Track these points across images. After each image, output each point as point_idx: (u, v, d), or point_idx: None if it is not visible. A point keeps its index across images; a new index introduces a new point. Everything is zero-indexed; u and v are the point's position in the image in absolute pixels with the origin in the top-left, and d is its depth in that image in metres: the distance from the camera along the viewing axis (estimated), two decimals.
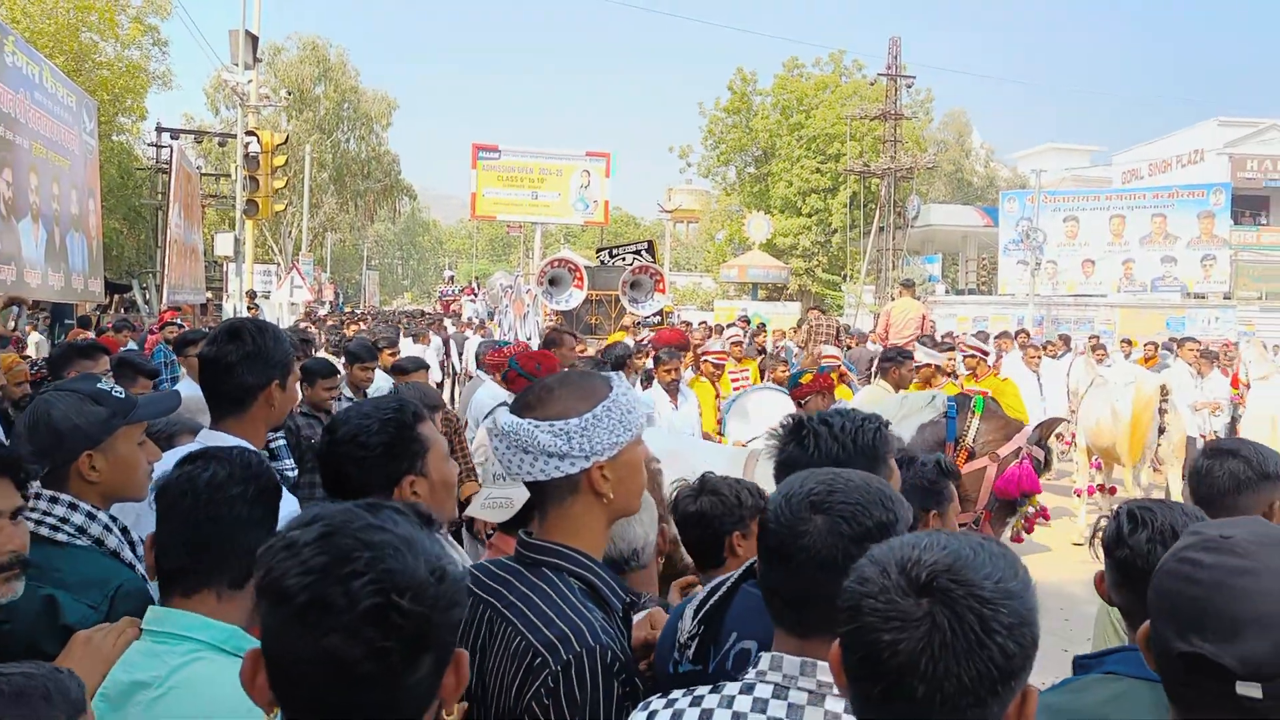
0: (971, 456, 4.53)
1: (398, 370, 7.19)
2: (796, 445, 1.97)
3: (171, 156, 23.91)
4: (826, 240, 41.31)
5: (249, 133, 19.28)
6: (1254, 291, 33.03)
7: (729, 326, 16.36)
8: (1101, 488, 10.27)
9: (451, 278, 51.49)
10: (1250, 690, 1.18)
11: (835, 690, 1.43)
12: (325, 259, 51.50)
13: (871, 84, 40.03)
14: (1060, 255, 33.89)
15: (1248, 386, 10.50)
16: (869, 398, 6.71)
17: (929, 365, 8.35)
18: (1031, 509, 4.59)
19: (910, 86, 37.82)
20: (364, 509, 1.07)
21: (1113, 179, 40.76)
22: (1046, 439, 4.57)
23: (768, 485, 1.96)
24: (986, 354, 9.74)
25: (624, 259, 19.31)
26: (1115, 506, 2.23)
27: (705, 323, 22.68)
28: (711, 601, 1.83)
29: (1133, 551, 1.92)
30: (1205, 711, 1.23)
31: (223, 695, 1.49)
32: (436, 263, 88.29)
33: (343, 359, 7.29)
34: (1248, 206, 35.49)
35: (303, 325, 18.68)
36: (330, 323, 21.31)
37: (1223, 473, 2.56)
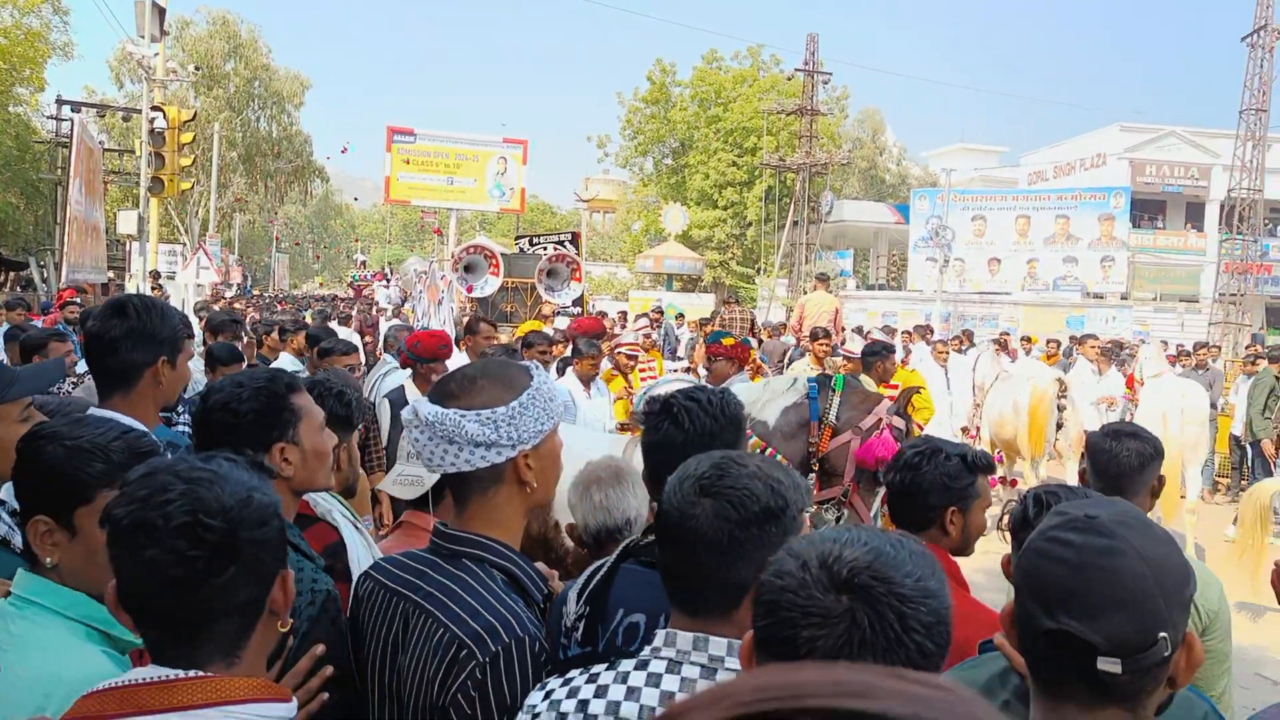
0: (836, 433, 4.65)
1: (326, 353, 6.92)
2: (671, 423, 1.98)
3: (72, 130, 22.98)
4: (742, 233, 41.67)
5: (155, 108, 18.62)
6: (1149, 292, 34.33)
7: (639, 318, 16.44)
8: (1004, 480, 10.57)
9: (364, 262, 50.61)
10: (1111, 666, 1.23)
11: (727, 665, 1.46)
12: (233, 240, 50.15)
13: (789, 79, 40.45)
14: (968, 253, 34.72)
15: (1141, 384, 10.89)
16: (742, 391, 6.81)
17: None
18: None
19: (826, 83, 38.35)
20: (197, 457, 1.34)
21: (1019, 180, 41.91)
22: (905, 408, 4.70)
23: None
24: (892, 349, 9.98)
25: (544, 248, 19.20)
26: (1020, 493, 2.32)
27: (624, 312, 22.73)
28: (594, 583, 1.85)
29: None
30: (1064, 686, 1.28)
31: (37, 661, 1.50)
32: (349, 247, 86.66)
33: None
34: (1146, 210, 36.82)
35: (231, 306, 18.17)
36: (236, 306, 20.74)
37: (1129, 452, 2.82)
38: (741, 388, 5.15)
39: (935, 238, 32.23)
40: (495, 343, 8.98)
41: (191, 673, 1.24)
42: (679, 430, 1.95)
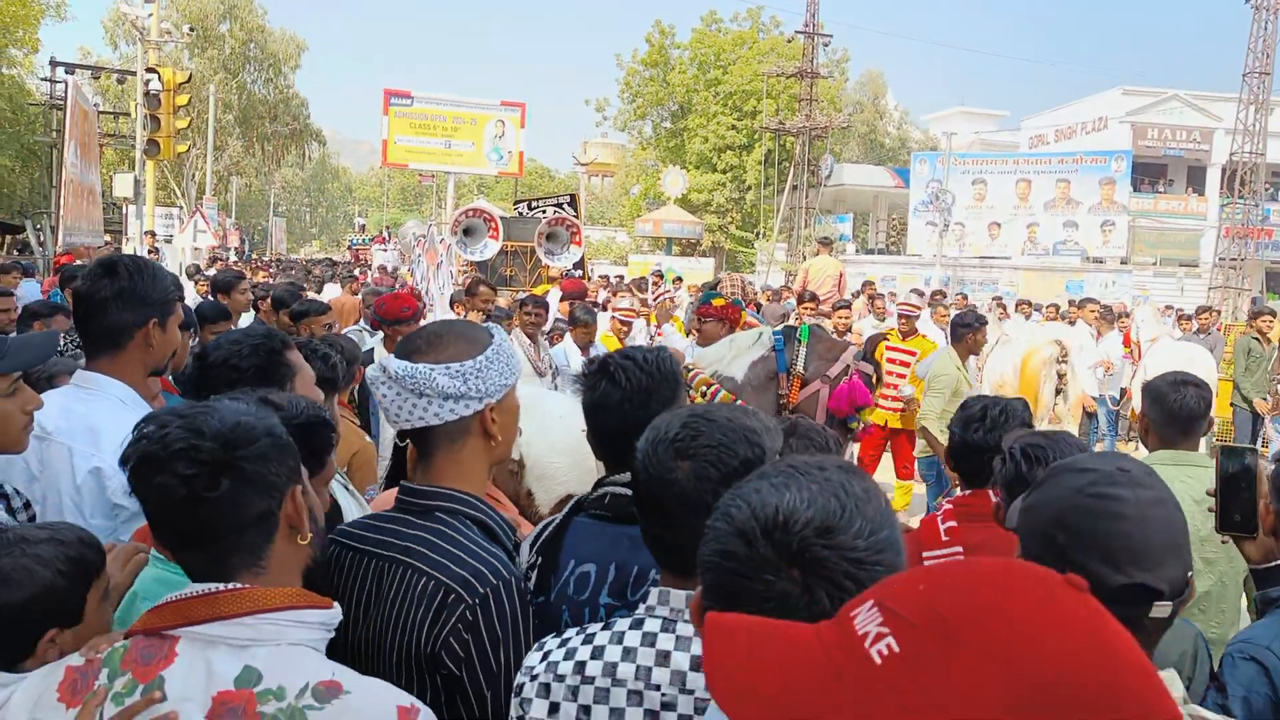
0: (805, 383, 4.66)
1: (300, 316, 6.96)
2: (608, 382, 1.98)
3: (67, 92, 22.81)
4: (741, 197, 41.48)
5: (149, 70, 18.47)
6: (1149, 257, 34.23)
7: (639, 281, 16.42)
8: None
9: (363, 226, 50.41)
10: (1163, 610, 1.28)
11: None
12: (230, 204, 49.90)
13: (789, 41, 40.08)
14: (968, 218, 34.60)
15: (1138, 345, 10.86)
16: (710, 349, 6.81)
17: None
18: (860, 424, 4.78)
19: (827, 45, 38.03)
20: (198, 403, 1.46)
21: (1020, 144, 41.64)
22: (873, 354, 4.74)
23: None
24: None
25: (543, 211, 19.10)
26: (1008, 447, 2.34)
27: (605, 277, 22.64)
28: (546, 534, 1.91)
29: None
30: None
31: None
32: (346, 211, 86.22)
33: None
34: (1147, 174, 36.64)
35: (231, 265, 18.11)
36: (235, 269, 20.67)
37: (1193, 398, 3.15)
38: (710, 346, 5.18)
39: (935, 202, 32.10)
40: (494, 305, 9.00)
41: (230, 585, 1.36)
42: (616, 388, 1.96)
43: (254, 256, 36.59)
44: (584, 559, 1.83)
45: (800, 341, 4.62)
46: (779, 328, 4.86)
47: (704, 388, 4.36)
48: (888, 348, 8.72)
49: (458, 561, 1.69)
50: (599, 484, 1.95)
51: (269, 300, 6.99)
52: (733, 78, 40.88)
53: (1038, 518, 1.38)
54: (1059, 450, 2.29)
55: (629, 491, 1.80)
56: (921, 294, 14.57)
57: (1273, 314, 10.74)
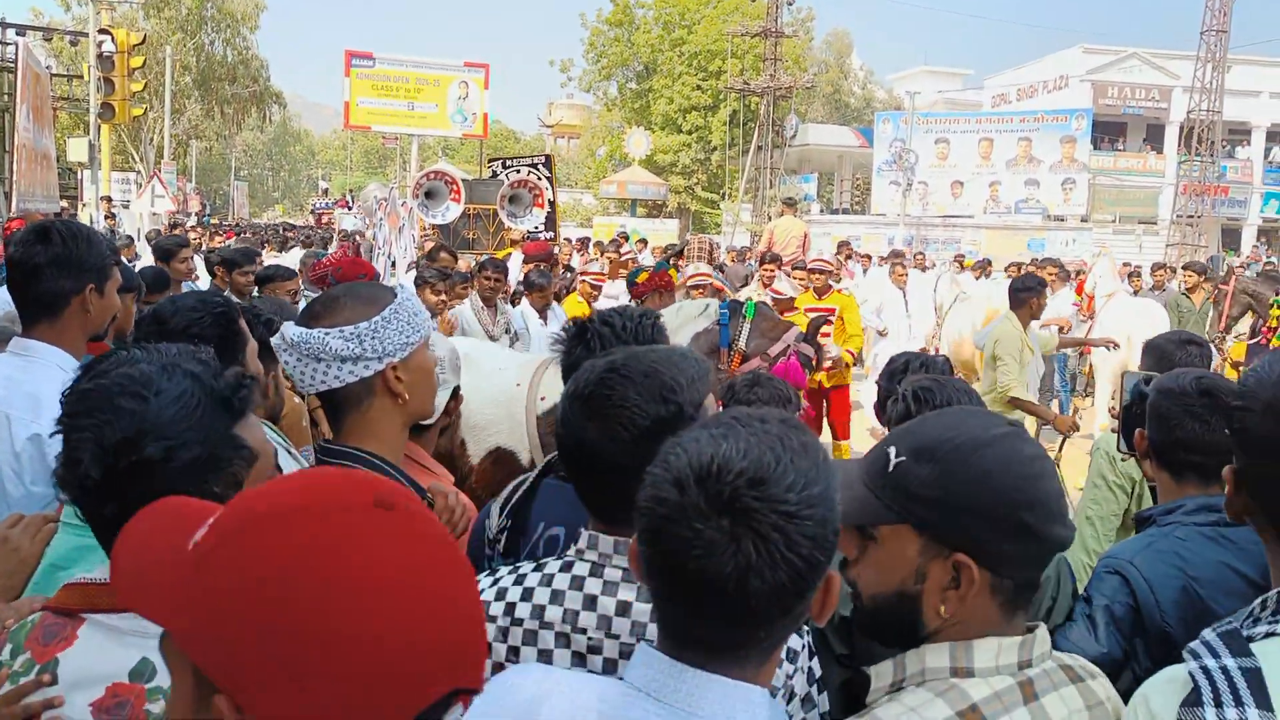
0: (745, 359, 4.68)
1: (267, 280, 6.82)
2: (583, 348, 2.00)
3: (17, 54, 22.21)
4: (706, 158, 41.35)
5: (102, 31, 18.12)
6: (1109, 215, 34.60)
7: (609, 243, 16.39)
8: None
9: (326, 190, 49.81)
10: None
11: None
12: (190, 168, 49.09)
13: (753, 1, 39.83)
14: (931, 177, 34.74)
15: (1091, 299, 10.92)
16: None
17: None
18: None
19: (791, 4, 37.79)
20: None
21: (983, 103, 41.79)
22: (814, 337, 4.78)
23: (555, 392, 2.00)
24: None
25: (518, 171, 18.92)
26: (901, 389, 2.48)
27: (568, 240, 22.57)
28: (516, 497, 1.90)
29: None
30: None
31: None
32: (309, 174, 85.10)
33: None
34: (1107, 133, 36.93)
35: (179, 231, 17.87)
36: (193, 235, 20.43)
37: (1193, 356, 3.42)
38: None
39: (898, 161, 32.24)
40: (455, 269, 8.98)
41: None
42: (590, 355, 1.93)
43: (214, 221, 36.11)
44: (554, 521, 1.83)
45: (745, 318, 4.63)
46: (725, 301, 4.85)
47: None
48: (806, 309, 8.69)
49: None
50: None
51: (223, 264, 6.92)
52: (697, 37, 40.59)
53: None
54: (945, 394, 2.42)
55: None
56: (851, 253, 14.49)
57: (1200, 271, 10.92)
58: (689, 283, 8.64)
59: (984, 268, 16.43)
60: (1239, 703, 1.17)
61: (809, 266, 9.29)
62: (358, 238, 20.15)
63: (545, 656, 1.49)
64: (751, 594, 1.02)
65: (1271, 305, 11.28)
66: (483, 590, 1.55)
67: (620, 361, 1.56)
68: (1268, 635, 1.25)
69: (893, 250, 16.88)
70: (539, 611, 1.50)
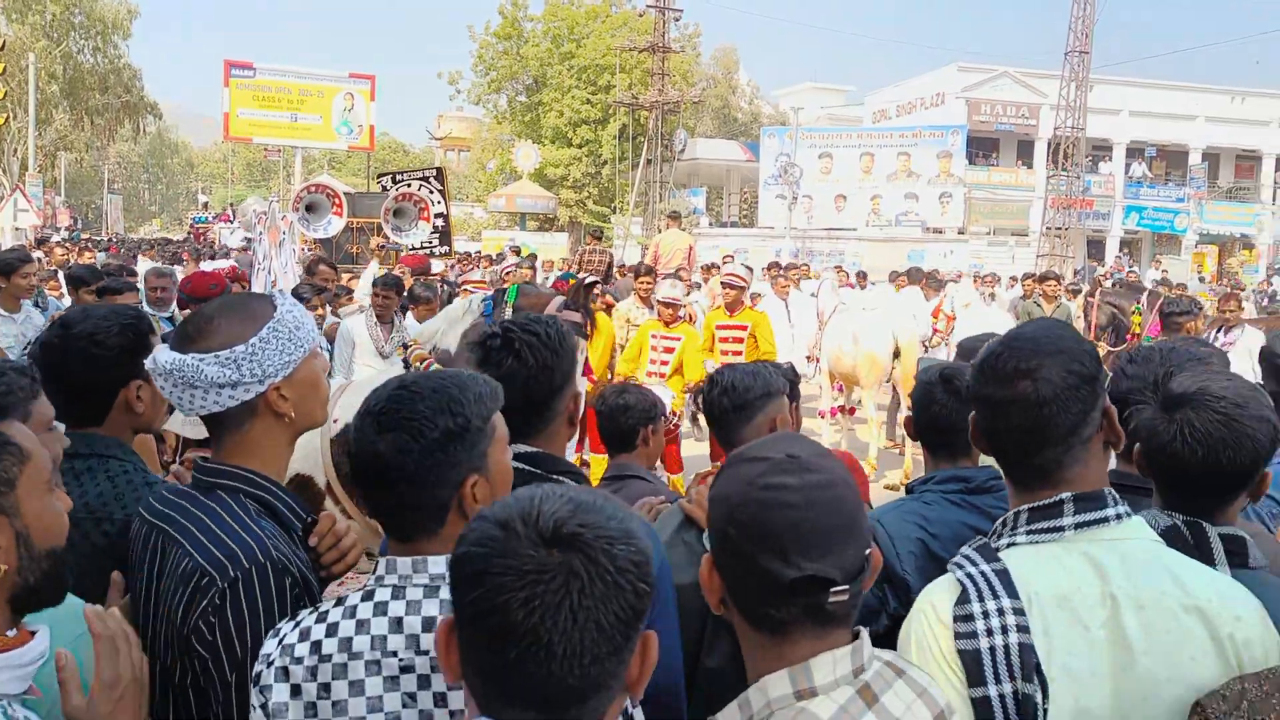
0: None
1: (109, 292, 6.53)
2: (514, 358, 1.95)
3: None
4: (597, 171, 41.55)
5: None
6: (984, 227, 35.96)
7: (497, 256, 16.35)
8: (843, 409, 10.89)
9: (205, 204, 48.33)
10: (843, 595, 1.28)
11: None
12: (59, 181, 47.13)
13: (640, 15, 40.25)
14: (816, 190, 35.55)
15: (951, 318, 11.27)
16: (425, 325, 6.38)
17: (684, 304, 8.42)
18: None
19: (678, 20, 38.31)
20: None
21: (864, 118, 42.97)
22: (584, 302, 4.70)
23: (349, 414, 1.92)
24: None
25: (408, 185, 18.70)
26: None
27: (478, 252, 22.47)
28: None
29: (710, 405, 2.54)
30: (794, 625, 1.30)
31: None
32: (189, 187, 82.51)
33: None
34: (981, 148, 38.36)
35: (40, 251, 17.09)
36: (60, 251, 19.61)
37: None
38: (426, 321, 4.99)
39: (784, 175, 32.91)
40: (334, 284, 8.89)
41: None
42: (522, 365, 1.93)
43: (84, 236, 34.73)
44: None
45: (507, 303, 4.44)
46: (489, 293, 4.66)
47: (418, 364, 4.32)
48: (718, 325, 8.72)
49: (218, 543, 1.65)
50: None
51: (69, 282, 6.71)
52: (586, 51, 40.80)
53: (716, 512, 1.36)
54: (732, 375, 2.56)
55: (522, 465, 1.83)
56: (750, 268, 14.76)
57: (1058, 279, 11.48)
58: (470, 289, 8.48)
59: (860, 279, 16.95)
60: (995, 595, 1.50)
61: (722, 281, 9.08)
62: (234, 254, 19.69)
63: (357, 687, 1.47)
64: (584, 626, 1.03)
65: (1132, 313, 11.95)
66: (285, 634, 1.53)
67: (410, 379, 1.61)
68: (1010, 545, 1.57)
69: (772, 262, 17.27)
70: (346, 644, 1.48)
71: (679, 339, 8.07)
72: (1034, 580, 1.51)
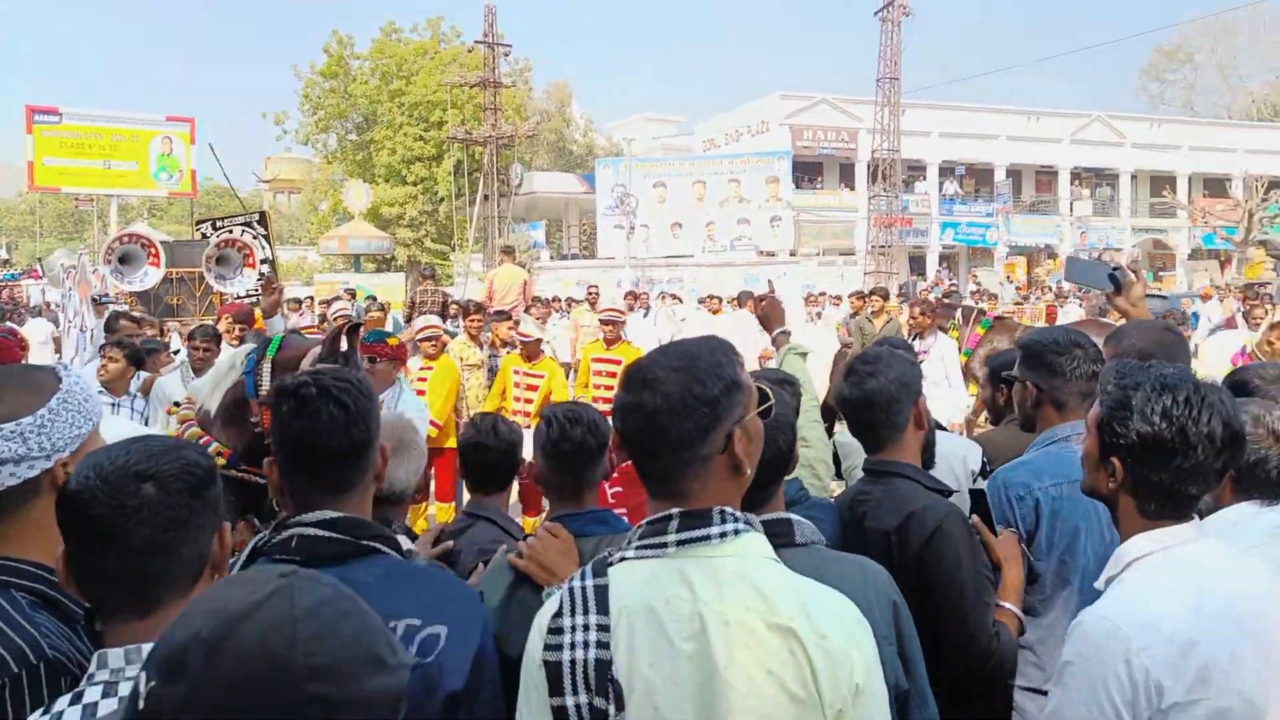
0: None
1: None
2: (334, 405, 1.86)
3: None
4: (434, 209, 41.12)
5: None
6: (813, 248, 37.31)
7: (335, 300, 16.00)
8: None
9: (7, 260, 45.45)
10: None
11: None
12: None
13: (469, 51, 40.20)
14: (652, 219, 36.17)
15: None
16: (197, 383, 5.93)
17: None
18: None
19: (507, 55, 38.43)
20: None
21: (695, 147, 44.03)
22: (350, 348, 3.68)
23: None
24: (624, 319, 9.28)
25: (230, 231, 18.08)
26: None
27: (311, 298, 21.88)
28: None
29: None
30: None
31: None
32: None
33: None
34: (806, 172, 39.84)
35: None
36: None
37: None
38: (199, 379, 4.21)
39: (621, 205, 33.41)
40: (139, 337, 8.51)
41: None
42: (344, 411, 1.81)
43: None
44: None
45: (268, 357, 3.83)
46: (254, 346, 4.05)
47: (181, 426, 3.81)
48: (594, 359, 8.74)
49: None
50: (280, 525, 1.78)
51: None
52: (416, 88, 40.41)
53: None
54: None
55: (321, 531, 1.74)
56: (637, 295, 14.84)
57: (884, 295, 12.12)
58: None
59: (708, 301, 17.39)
60: (586, 610, 1.59)
61: (600, 318, 9.04)
62: (44, 310, 18.62)
63: None
64: None
65: (949, 329, 12.66)
66: None
67: (153, 439, 1.58)
68: (621, 560, 1.64)
69: (628, 292, 17.56)
70: None
71: (542, 375, 8.12)
72: (627, 595, 1.58)
